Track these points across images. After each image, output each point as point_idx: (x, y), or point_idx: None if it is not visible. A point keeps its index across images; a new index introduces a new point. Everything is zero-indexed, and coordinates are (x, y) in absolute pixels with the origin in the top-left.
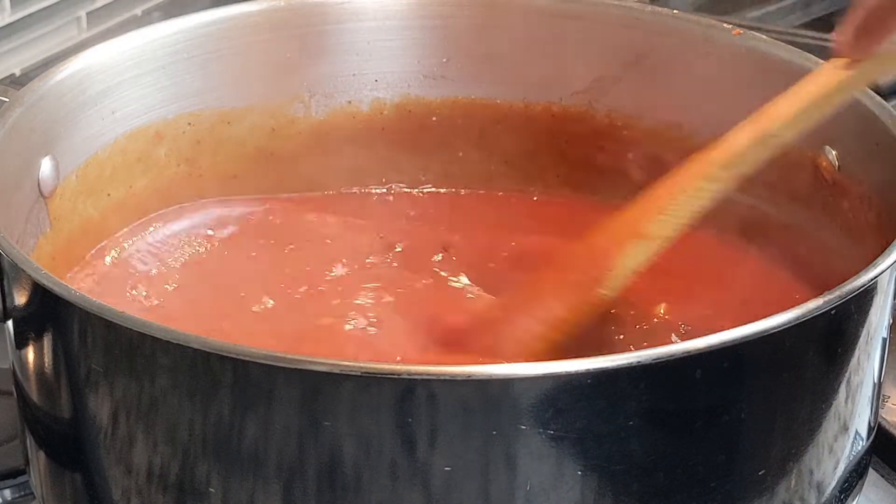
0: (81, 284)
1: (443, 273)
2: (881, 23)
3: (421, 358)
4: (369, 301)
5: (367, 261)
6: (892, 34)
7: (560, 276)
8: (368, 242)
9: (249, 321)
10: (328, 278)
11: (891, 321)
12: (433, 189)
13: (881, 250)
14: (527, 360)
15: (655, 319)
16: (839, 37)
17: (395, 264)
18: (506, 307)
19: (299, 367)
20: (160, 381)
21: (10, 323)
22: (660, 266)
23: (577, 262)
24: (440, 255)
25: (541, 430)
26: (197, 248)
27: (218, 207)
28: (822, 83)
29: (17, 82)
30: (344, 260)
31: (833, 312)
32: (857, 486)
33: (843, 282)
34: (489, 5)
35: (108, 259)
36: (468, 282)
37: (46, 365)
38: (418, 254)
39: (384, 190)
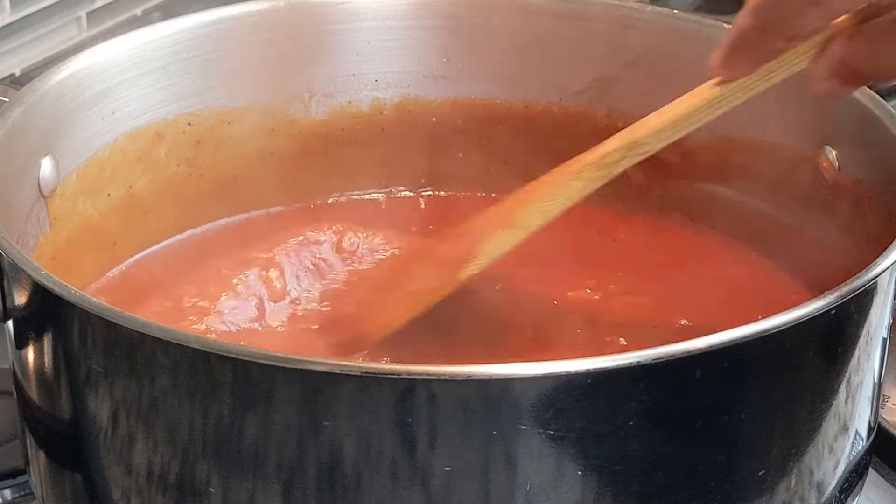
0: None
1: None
2: (753, 46)
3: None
4: None
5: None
6: (765, 59)
7: (430, 254)
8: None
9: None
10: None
11: (891, 321)
12: (432, 192)
13: (881, 250)
14: (384, 333)
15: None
16: (714, 55)
17: None
18: (378, 283)
19: (299, 367)
20: (160, 381)
21: (10, 323)
22: (660, 266)
23: (449, 243)
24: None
25: (541, 430)
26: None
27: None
28: (693, 101)
29: (17, 82)
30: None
31: (833, 312)
32: (857, 486)
33: (843, 282)
34: (489, 5)
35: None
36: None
37: (46, 365)
38: None
39: (384, 194)
